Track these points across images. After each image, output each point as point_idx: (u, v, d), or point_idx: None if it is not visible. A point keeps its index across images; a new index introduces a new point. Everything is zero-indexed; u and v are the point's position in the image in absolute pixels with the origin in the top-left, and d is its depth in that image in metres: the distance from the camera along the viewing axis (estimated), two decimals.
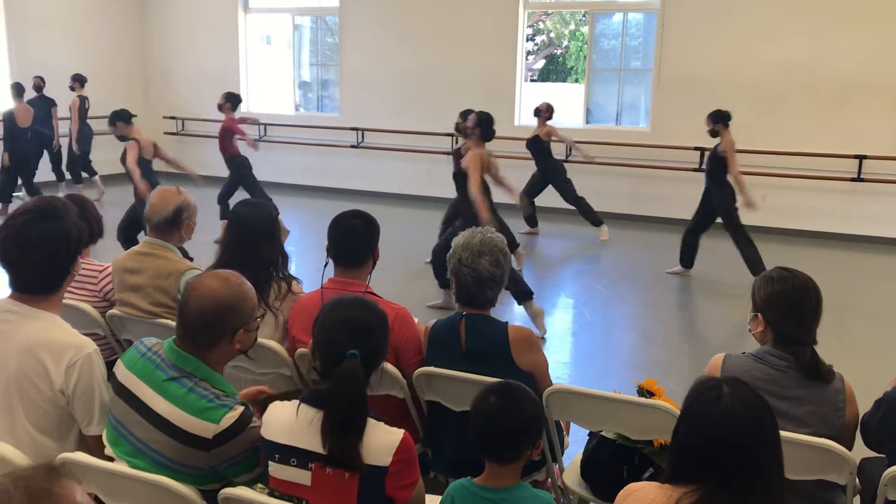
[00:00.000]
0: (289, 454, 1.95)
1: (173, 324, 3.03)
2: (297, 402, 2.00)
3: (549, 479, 2.90)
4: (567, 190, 8.87)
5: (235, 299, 2.15)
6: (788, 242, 8.85)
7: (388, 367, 2.77)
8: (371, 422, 1.95)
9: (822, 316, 2.45)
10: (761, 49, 9.14)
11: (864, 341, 5.66)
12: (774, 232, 9.12)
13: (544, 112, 8.86)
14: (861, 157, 8.78)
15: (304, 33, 13.20)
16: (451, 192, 10.62)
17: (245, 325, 2.17)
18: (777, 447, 1.67)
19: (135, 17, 12.81)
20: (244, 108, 12.10)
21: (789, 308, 2.42)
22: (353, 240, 2.95)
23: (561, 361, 5.37)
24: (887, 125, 8.76)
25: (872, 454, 2.54)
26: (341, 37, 11.49)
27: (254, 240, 3.10)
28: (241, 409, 2.06)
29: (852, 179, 8.86)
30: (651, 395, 2.68)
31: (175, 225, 3.39)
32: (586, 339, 6.00)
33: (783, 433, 2.17)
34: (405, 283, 6.84)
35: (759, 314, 2.47)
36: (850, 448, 2.39)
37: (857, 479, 2.46)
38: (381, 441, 1.93)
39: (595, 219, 8.88)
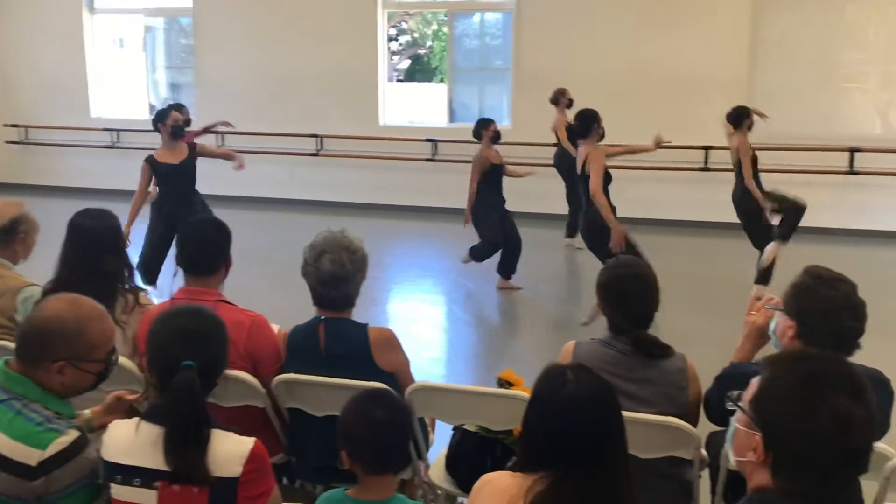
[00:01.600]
0: (131, 475, 1.86)
1: (10, 345, 2.86)
2: (136, 419, 1.91)
3: (416, 477, 2.90)
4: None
5: (72, 327, 1.98)
6: (646, 231, 9.25)
7: (246, 376, 2.70)
8: (219, 433, 1.89)
9: (655, 301, 2.55)
10: (613, 47, 9.51)
11: (721, 320, 6.00)
12: (632, 222, 9.49)
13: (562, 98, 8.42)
14: (707, 148, 9.29)
15: (157, 35, 12.69)
16: (315, 193, 10.60)
17: (73, 360, 1.97)
18: (621, 430, 1.73)
19: None
20: (94, 115, 11.54)
21: (613, 297, 2.54)
22: (204, 247, 2.85)
23: (431, 358, 5.40)
24: None
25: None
26: (196, 38, 11.12)
27: (96, 252, 2.94)
28: (75, 434, 1.91)
29: (700, 169, 9.36)
30: (510, 385, 2.73)
31: (10, 238, 3.18)
32: (457, 334, 6.07)
33: (632, 414, 2.27)
34: (272, 289, 6.69)
35: (597, 302, 2.58)
36: (695, 424, 2.51)
37: (705, 453, 2.60)
38: (231, 451, 1.88)
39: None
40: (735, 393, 1.60)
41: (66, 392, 2.02)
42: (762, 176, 9.27)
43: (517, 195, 7.87)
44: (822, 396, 1.45)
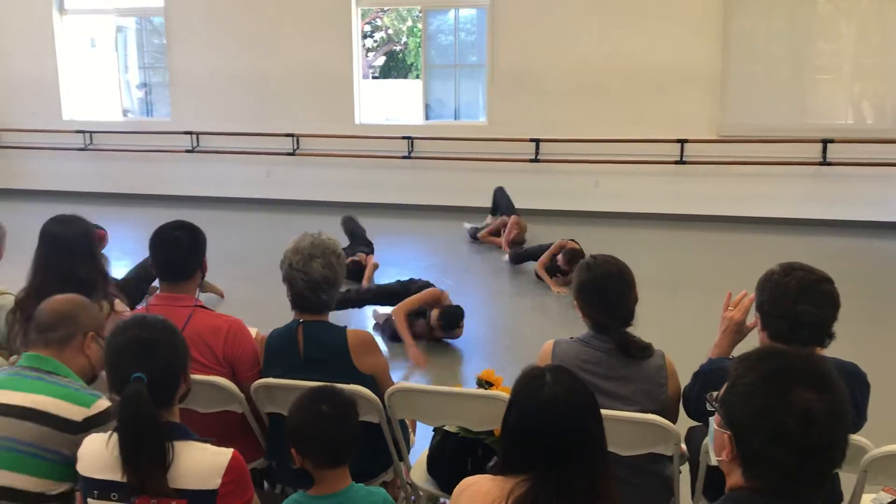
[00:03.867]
0: (108, 489, 1.84)
1: None
2: (108, 433, 1.89)
3: (398, 479, 2.90)
4: None
5: (87, 303, 2.34)
6: (621, 225, 9.31)
7: (224, 381, 2.68)
8: (195, 444, 1.88)
9: (634, 297, 2.55)
10: (586, 42, 9.54)
11: (691, 311, 6.05)
12: (607, 216, 9.57)
13: None
14: (682, 142, 9.35)
15: (128, 35, 12.54)
16: (292, 192, 10.55)
17: (96, 330, 2.27)
18: (599, 430, 1.74)
19: None
20: (66, 117, 11.40)
21: (594, 296, 2.53)
22: (178, 254, 2.81)
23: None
24: (704, 111, 9.37)
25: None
26: (168, 38, 11.01)
27: (68, 259, 2.90)
28: (107, 402, 2.09)
29: (675, 163, 9.42)
30: (490, 385, 2.72)
31: None
32: None
33: (612, 412, 2.28)
34: (254, 289, 6.65)
35: (575, 302, 2.58)
36: (674, 420, 2.53)
37: (684, 447, 2.62)
38: (208, 463, 1.86)
39: None
40: (714, 394, 1.60)
41: (90, 370, 2.27)
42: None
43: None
44: (785, 392, 1.44)
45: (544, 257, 6.93)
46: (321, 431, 2.02)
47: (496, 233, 8.31)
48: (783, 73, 9.22)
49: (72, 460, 1.98)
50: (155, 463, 1.81)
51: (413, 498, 2.93)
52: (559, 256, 6.84)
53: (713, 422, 1.61)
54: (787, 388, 1.45)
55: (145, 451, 1.81)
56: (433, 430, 2.93)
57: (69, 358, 2.21)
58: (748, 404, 1.47)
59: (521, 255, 7.47)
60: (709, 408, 1.65)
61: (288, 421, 2.08)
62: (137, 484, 1.80)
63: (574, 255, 6.62)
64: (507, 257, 7.59)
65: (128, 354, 1.92)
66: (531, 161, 9.55)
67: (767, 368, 1.49)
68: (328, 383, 2.17)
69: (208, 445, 1.90)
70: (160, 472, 1.81)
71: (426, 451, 2.90)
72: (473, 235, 8.56)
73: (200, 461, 1.86)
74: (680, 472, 2.58)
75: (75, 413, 2.05)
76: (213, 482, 1.84)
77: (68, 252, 2.92)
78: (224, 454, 1.88)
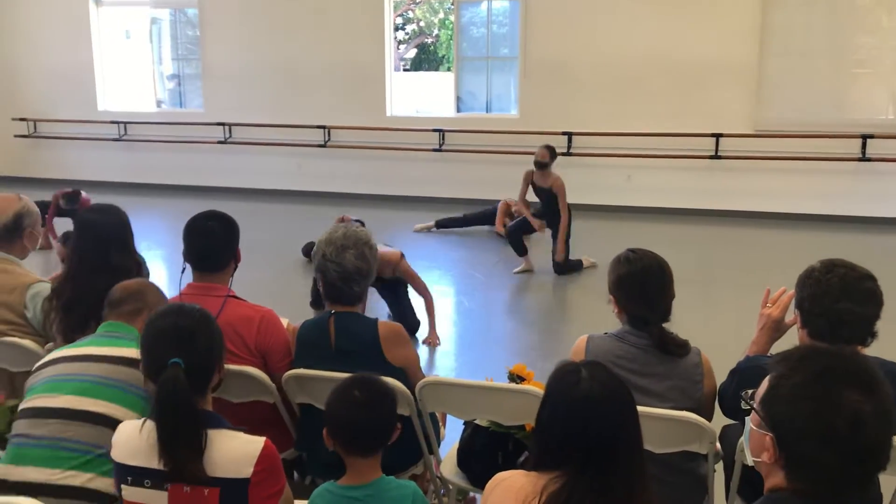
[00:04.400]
0: (141, 476, 1.85)
1: (20, 342, 2.86)
2: (142, 420, 1.90)
3: (427, 472, 2.88)
4: None
5: (152, 286, 2.55)
6: (654, 220, 9.22)
7: (255, 371, 2.68)
8: (228, 433, 1.88)
9: (672, 293, 2.51)
10: (621, 34, 9.44)
11: (727, 308, 5.97)
12: (640, 210, 9.48)
13: None
14: (718, 136, 9.22)
15: (163, 26, 12.65)
16: (323, 184, 10.59)
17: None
18: (635, 427, 1.70)
19: None
20: (100, 107, 11.54)
21: (634, 290, 2.48)
22: (211, 243, 2.81)
23: (441, 350, 5.38)
24: (740, 105, 9.23)
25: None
26: (202, 29, 11.09)
27: (104, 248, 2.91)
28: None
29: (710, 157, 9.29)
30: (521, 379, 2.70)
31: (17, 233, 3.15)
32: (466, 326, 6.04)
33: (647, 409, 2.24)
34: (282, 281, 6.69)
35: (612, 296, 2.54)
36: (709, 419, 2.49)
37: (719, 446, 2.57)
38: (241, 452, 1.86)
39: None
40: (749, 392, 1.56)
41: None
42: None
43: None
44: (833, 393, 1.40)
45: (519, 200, 7.43)
46: (350, 416, 2.03)
47: (508, 215, 8.26)
48: (821, 67, 9.05)
49: (149, 396, 2.10)
50: (191, 448, 1.81)
51: (442, 491, 2.92)
52: (537, 152, 7.14)
53: (749, 421, 1.57)
54: (834, 389, 1.40)
55: (182, 436, 1.82)
56: (463, 424, 2.91)
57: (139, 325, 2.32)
58: (794, 407, 1.43)
59: (511, 228, 7.41)
60: (744, 406, 1.61)
61: (326, 402, 2.10)
62: (174, 469, 1.80)
63: (549, 148, 7.13)
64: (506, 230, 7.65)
65: (165, 341, 1.93)
66: (563, 154, 9.46)
67: (813, 369, 1.45)
68: (370, 374, 2.16)
69: (241, 434, 1.90)
70: (197, 458, 1.81)
71: (456, 445, 2.89)
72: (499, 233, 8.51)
73: (233, 449, 1.86)
74: (714, 472, 2.54)
75: (127, 417, 2.11)
76: (246, 471, 1.84)
77: (103, 240, 2.94)
78: (256, 443, 1.88)
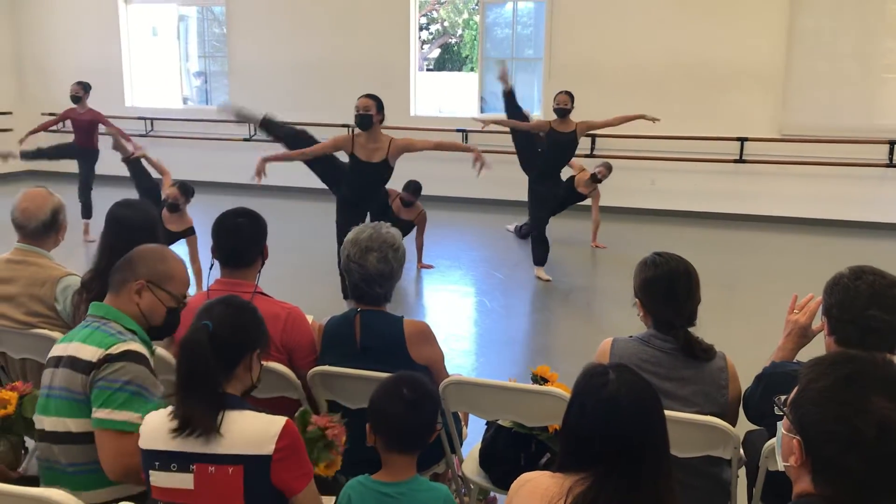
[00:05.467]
0: (168, 460, 1.89)
1: (50, 334, 2.90)
2: (169, 407, 1.93)
3: (449, 471, 2.90)
4: None
5: (157, 253, 2.41)
6: (677, 223, 9.17)
7: (281, 367, 2.71)
8: (250, 413, 1.93)
9: (698, 297, 2.50)
10: (647, 37, 9.41)
11: (751, 314, 5.93)
12: (663, 214, 9.44)
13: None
14: (743, 140, 9.16)
15: (190, 24, 12.77)
16: None
17: (151, 282, 2.32)
18: (663, 430, 1.70)
19: (3, 8, 12.10)
20: (128, 103, 11.66)
21: (662, 293, 2.47)
22: (239, 240, 2.84)
23: (462, 350, 5.40)
24: (766, 109, 9.17)
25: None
26: (229, 27, 11.18)
27: (130, 241, 2.94)
28: (135, 345, 2.19)
29: (735, 161, 9.23)
30: (545, 381, 2.70)
31: (53, 228, 3.21)
32: (487, 326, 6.05)
33: (671, 413, 2.23)
34: (306, 279, 6.73)
35: (637, 299, 2.53)
36: (734, 424, 2.48)
37: (742, 452, 2.56)
38: (262, 429, 1.89)
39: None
40: (782, 398, 1.56)
41: (143, 320, 2.32)
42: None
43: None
44: (861, 399, 1.40)
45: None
46: (398, 413, 2.05)
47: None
48: (849, 72, 8.97)
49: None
50: (205, 402, 1.88)
51: (464, 491, 2.93)
52: (558, 98, 7.04)
53: (781, 426, 1.57)
54: (862, 394, 1.40)
55: (198, 389, 1.89)
56: (486, 424, 2.92)
57: (123, 302, 2.30)
58: (821, 410, 1.43)
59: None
60: (777, 412, 1.61)
61: (371, 397, 2.12)
62: (184, 421, 1.86)
63: (569, 94, 7.04)
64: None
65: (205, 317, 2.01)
66: (587, 156, 9.45)
67: (842, 374, 1.45)
68: (419, 374, 2.20)
69: (263, 414, 1.94)
70: (212, 413, 1.87)
71: (478, 445, 2.90)
72: (519, 234, 8.49)
73: (255, 427, 1.89)
74: (738, 477, 2.53)
75: (94, 355, 2.15)
76: (268, 447, 1.87)
77: (130, 235, 2.97)
78: (278, 421, 1.91)
